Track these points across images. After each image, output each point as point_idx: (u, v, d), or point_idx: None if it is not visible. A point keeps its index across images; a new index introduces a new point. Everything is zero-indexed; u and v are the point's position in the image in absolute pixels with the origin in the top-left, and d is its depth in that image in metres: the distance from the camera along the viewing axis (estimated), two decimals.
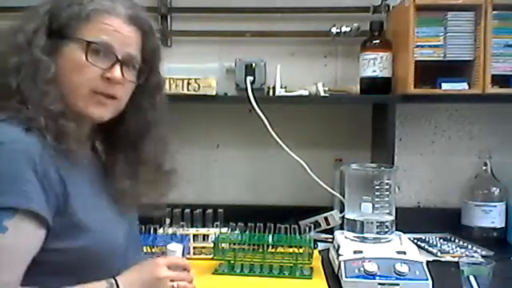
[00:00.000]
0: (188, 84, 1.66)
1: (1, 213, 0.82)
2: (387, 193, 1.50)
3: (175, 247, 1.08)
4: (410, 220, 1.65)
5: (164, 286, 0.96)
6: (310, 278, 1.42)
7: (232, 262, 1.45)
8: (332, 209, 1.81)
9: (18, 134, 0.85)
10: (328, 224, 1.77)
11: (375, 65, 1.71)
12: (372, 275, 1.29)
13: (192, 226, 1.68)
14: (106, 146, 1.08)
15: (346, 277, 1.31)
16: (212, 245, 1.50)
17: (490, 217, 1.77)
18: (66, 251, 0.89)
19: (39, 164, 0.84)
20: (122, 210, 1.03)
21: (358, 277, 1.30)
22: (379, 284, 1.28)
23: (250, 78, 1.73)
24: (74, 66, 0.93)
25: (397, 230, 1.51)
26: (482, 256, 1.53)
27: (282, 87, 1.76)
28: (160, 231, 1.61)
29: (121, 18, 0.96)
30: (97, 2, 0.95)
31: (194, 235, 1.62)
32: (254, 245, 1.47)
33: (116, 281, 0.93)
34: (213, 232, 1.60)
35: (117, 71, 0.94)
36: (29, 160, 0.84)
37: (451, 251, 1.62)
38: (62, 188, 0.88)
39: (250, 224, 1.54)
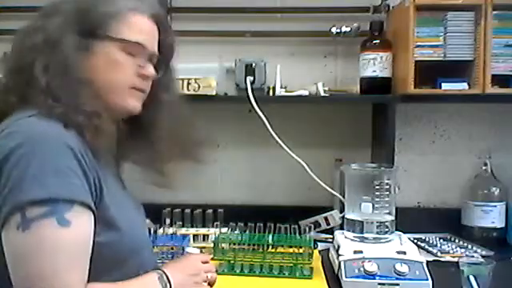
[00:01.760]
0: (188, 84, 1.66)
1: (59, 205, 0.79)
2: (387, 193, 1.50)
3: (194, 250, 1.33)
4: (410, 220, 1.65)
5: (202, 276, 1.08)
6: (310, 278, 1.42)
7: (232, 262, 1.45)
8: (332, 209, 1.81)
9: (59, 128, 0.84)
10: (328, 224, 1.77)
11: (375, 65, 1.71)
12: (372, 275, 1.29)
13: (192, 226, 1.69)
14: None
15: (346, 277, 1.31)
16: (212, 245, 1.50)
17: (490, 217, 1.78)
18: (97, 245, 0.87)
19: (82, 158, 0.84)
20: (136, 203, 1.06)
21: (357, 277, 1.30)
22: (379, 284, 1.28)
23: (250, 78, 1.72)
24: (112, 64, 0.95)
25: (397, 230, 1.51)
26: (482, 256, 1.53)
27: (281, 87, 1.76)
28: (160, 231, 1.61)
29: (147, 16, 0.99)
30: (129, 0, 0.97)
31: (194, 235, 1.62)
32: (253, 245, 1.47)
33: (163, 271, 0.98)
34: (213, 232, 1.60)
35: (151, 68, 1.00)
36: (74, 153, 0.83)
37: (451, 251, 1.62)
38: (98, 183, 0.87)
39: (249, 224, 1.54)
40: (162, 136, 1.07)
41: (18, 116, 0.86)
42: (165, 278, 0.97)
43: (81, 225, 0.82)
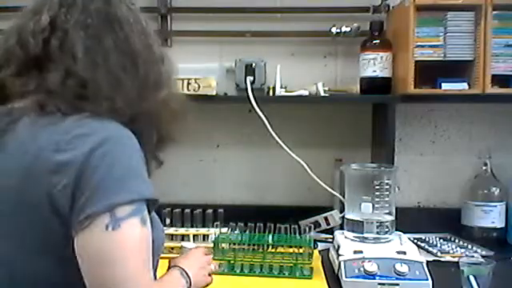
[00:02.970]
0: (188, 84, 1.66)
1: (141, 205, 0.80)
2: (387, 193, 1.49)
3: (191, 245, 1.37)
4: (410, 220, 1.65)
5: (208, 268, 1.14)
6: (310, 278, 1.42)
7: (232, 262, 1.45)
8: (332, 209, 1.81)
9: (125, 128, 0.84)
10: (328, 224, 1.77)
11: (375, 65, 1.71)
12: (372, 275, 1.29)
13: (192, 226, 1.68)
14: None
15: (346, 277, 1.31)
16: (212, 245, 1.50)
17: (490, 217, 1.77)
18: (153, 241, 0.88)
19: (143, 158, 0.85)
20: None
21: (357, 277, 1.30)
22: (379, 284, 1.28)
23: (250, 78, 1.73)
24: None
25: (397, 230, 1.51)
26: (482, 256, 1.53)
27: (281, 87, 1.76)
28: None
29: None
30: None
31: (194, 235, 1.62)
32: (253, 245, 1.47)
33: (181, 267, 1.02)
34: (213, 232, 1.60)
35: None
36: (141, 153, 0.84)
37: (451, 251, 1.62)
38: None
39: (249, 224, 1.54)
40: None
41: (79, 117, 0.82)
42: (185, 273, 1.01)
43: (149, 223, 0.83)
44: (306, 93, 1.76)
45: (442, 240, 1.73)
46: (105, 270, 0.76)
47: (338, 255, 1.40)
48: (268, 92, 1.78)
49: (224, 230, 1.55)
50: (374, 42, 1.74)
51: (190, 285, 1.01)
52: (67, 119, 0.82)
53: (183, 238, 1.60)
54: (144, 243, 0.80)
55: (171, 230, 1.63)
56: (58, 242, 0.79)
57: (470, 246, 1.66)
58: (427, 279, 1.29)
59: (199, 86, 1.67)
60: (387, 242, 1.46)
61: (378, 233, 1.47)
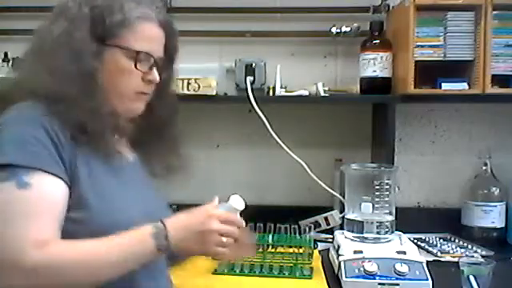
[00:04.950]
0: (188, 84, 1.66)
1: (19, 170, 0.87)
2: (387, 193, 1.49)
3: (236, 202, 1.02)
4: (410, 220, 1.65)
5: (213, 239, 0.94)
6: (310, 278, 1.42)
7: (232, 261, 1.44)
8: (332, 209, 1.81)
9: (40, 111, 0.93)
10: (328, 224, 1.77)
11: (375, 65, 1.71)
12: (372, 275, 1.29)
13: None
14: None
15: (346, 277, 1.31)
16: None
17: (490, 217, 1.77)
18: (75, 220, 0.92)
19: (55, 136, 0.91)
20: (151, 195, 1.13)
21: (358, 277, 1.30)
22: (379, 284, 1.28)
23: (250, 78, 1.73)
24: (121, 71, 1.00)
25: (397, 230, 1.51)
26: (482, 256, 1.53)
27: (282, 87, 1.76)
28: None
29: (156, 23, 1.04)
30: (137, 8, 1.01)
31: None
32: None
33: (164, 225, 0.93)
34: None
35: (155, 74, 1.05)
36: (46, 130, 0.90)
37: (451, 251, 1.62)
38: (74, 160, 0.93)
39: (249, 224, 1.54)
40: (174, 133, 1.17)
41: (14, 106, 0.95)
42: (162, 234, 0.90)
43: (43, 185, 0.88)
44: (306, 93, 1.76)
45: (442, 240, 1.73)
46: None
47: (338, 255, 1.40)
48: (268, 92, 1.78)
49: None
50: (374, 42, 1.74)
51: (166, 249, 0.90)
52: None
53: None
54: (25, 204, 0.85)
55: None
56: None
57: (470, 246, 1.66)
58: (427, 279, 1.29)
59: (199, 86, 1.67)
60: (387, 241, 1.46)
61: (378, 233, 1.47)
